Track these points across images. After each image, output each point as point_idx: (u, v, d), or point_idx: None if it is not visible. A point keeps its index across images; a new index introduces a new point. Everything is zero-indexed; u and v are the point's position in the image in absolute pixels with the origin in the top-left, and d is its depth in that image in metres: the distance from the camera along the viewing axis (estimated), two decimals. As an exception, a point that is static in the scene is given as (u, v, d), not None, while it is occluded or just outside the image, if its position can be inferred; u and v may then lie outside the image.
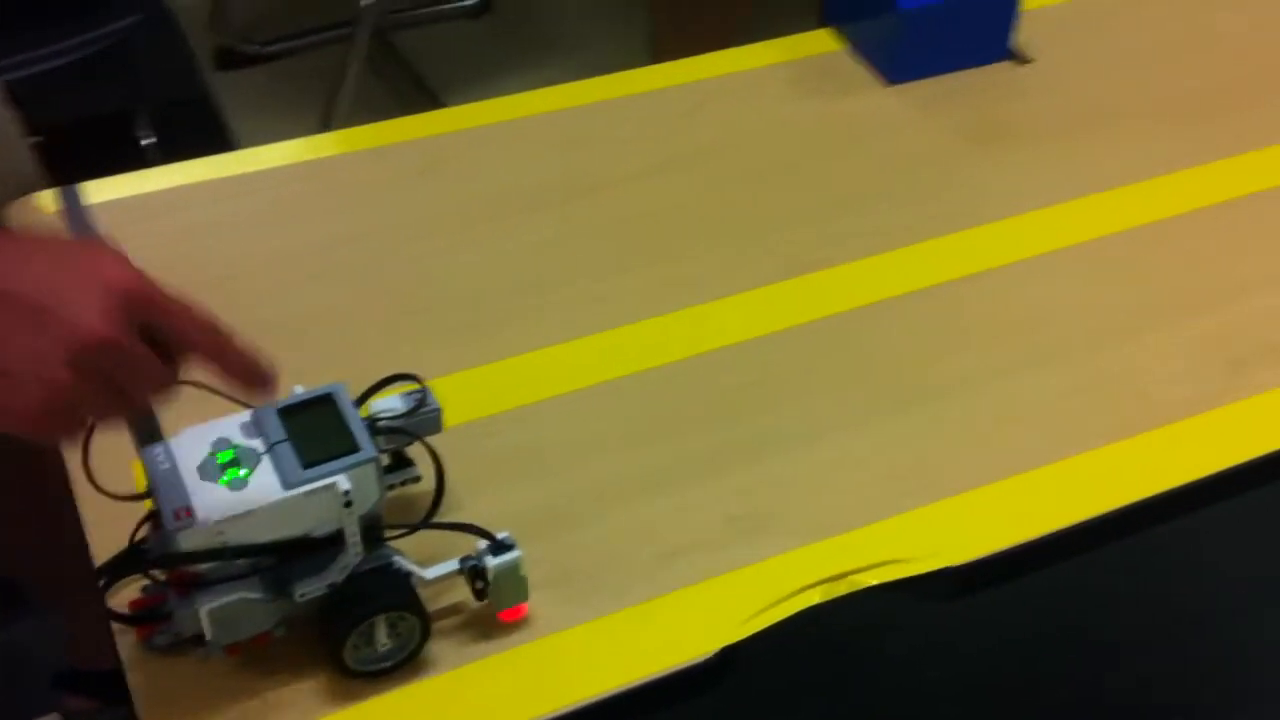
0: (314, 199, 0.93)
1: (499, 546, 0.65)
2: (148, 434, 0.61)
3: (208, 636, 0.62)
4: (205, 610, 0.61)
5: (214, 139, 1.90)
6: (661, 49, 1.71)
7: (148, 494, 0.62)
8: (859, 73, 1.06)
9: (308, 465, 0.61)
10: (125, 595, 0.66)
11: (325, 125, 1.93)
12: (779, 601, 0.68)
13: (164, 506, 0.59)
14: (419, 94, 2.06)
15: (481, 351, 0.81)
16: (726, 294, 0.86)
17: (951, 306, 0.86)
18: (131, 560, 0.64)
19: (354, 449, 0.62)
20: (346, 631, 0.63)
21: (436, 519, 0.67)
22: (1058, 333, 0.85)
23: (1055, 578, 0.76)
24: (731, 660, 0.66)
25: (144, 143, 1.76)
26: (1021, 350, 0.84)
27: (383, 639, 0.64)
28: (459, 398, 0.77)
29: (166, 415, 0.62)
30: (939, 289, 0.87)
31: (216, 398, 0.61)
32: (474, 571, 0.65)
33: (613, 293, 0.86)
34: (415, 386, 0.69)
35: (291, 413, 0.63)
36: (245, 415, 0.63)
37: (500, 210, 0.92)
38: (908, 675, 1.24)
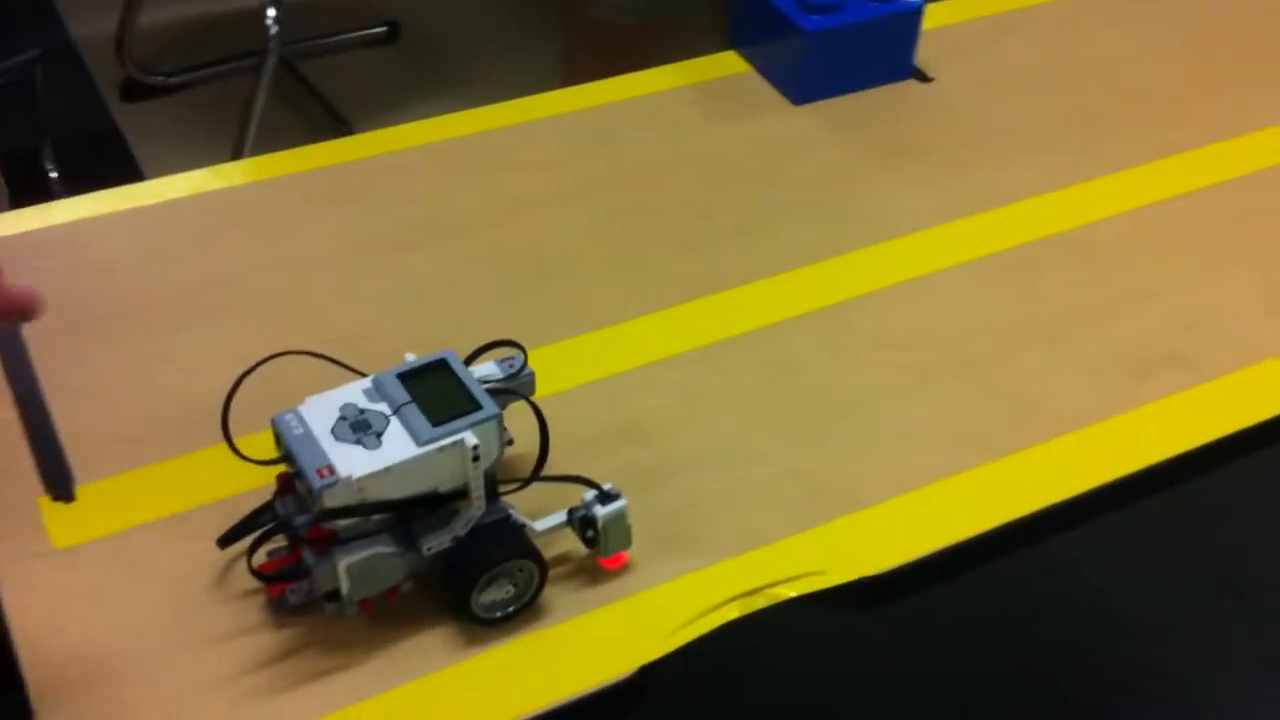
0: (223, 229, 0.93)
1: (605, 496, 0.71)
2: (57, 480, 0.63)
3: (343, 591, 0.67)
4: (344, 565, 0.66)
5: (121, 171, 1.88)
6: (572, 73, 1.72)
7: (283, 459, 0.67)
8: (766, 93, 1.08)
9: (436, 424, 0.66)
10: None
11: (235, 155, 1.92)
12: (698, 617, 0.70)
13: (306, 466, 0.64)
14: (329, 122, 2.06)
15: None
16: (636, 315, 0.88)
17: (860, 322, 0.88)
18: (279, 523, 0.68)
19: (477, 407, 0.67)
20: (474, 580, 0.67)
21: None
22: (964, 345, 0.87)
23: (972, 586, 0.78)
24: (651, 678, 0.68)
25: (50, 175, 1.73)
26: (930, 363, 0.86)
27: (506, 587, 0.69)
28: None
29: (286, 384, 0.68)
30: (847, 305, 0.90)
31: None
32: (584, 521, 0.71)
33: (525, 318, 0.86)
34: (513, 352, 0.74)
35: (411, 378, 0.68)
36: (366, 382, 0.68)
37: (411, 237, 0.94)
38: (831, 691, 1.24)
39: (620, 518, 0.70)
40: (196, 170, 0.98)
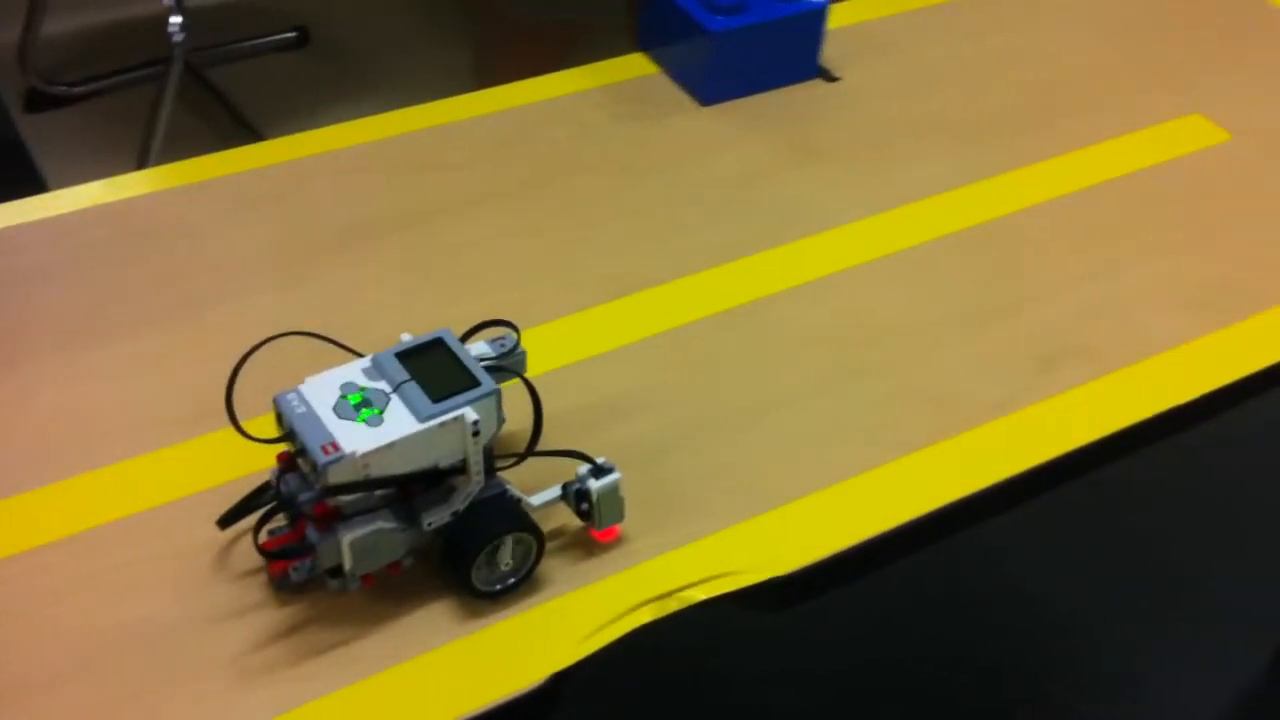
0: (129, 239, 0.92)
1: (599, 470, 0.73)
2: None
3: (346, 567, 0.68)
4: (348, 540, 0.68)
5: (25, 183, 1.85)
6: (486, 74, 1.72)
7: (285, 437, 0.68)
8: (674, 95, 1.09)
9: (436, 400, 0.68)
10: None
11: (140, 165, 1.90)
12: (610, 623, 0.71)
13: (311, 444, 0.66)
14: (239, 130, 2.03)
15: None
16: (552, 318, 0.88)
17: (774, 320, 0.89)
18: (285, 501, 0.69)
19: (476, 383, 0.69)
20: (475, 554, 0.69)
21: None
22: (876, 341, 0.88)
23: (890, 579, 0.79)
24: (563, 686, 0.69)
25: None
26: (842, 360, 0.87)
27: (505, 559, 0.71)
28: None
29: (287, 367, 0.70)
30: (760, 304, 0.90)
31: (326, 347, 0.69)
32: (578, 494, 0.73)
33: (440, 323, 0.86)
34: (505, 332, 0.76)
35: (409, 356, 0.70)
36: (365, 361, 0.70)
37: (323, 244, 0.94)
38: (750, 690, 1.26)
39: (614, 491, 0.73)
40: (101, 180, 0.97)
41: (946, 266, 0.96)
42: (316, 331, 0.74)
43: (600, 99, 1.09)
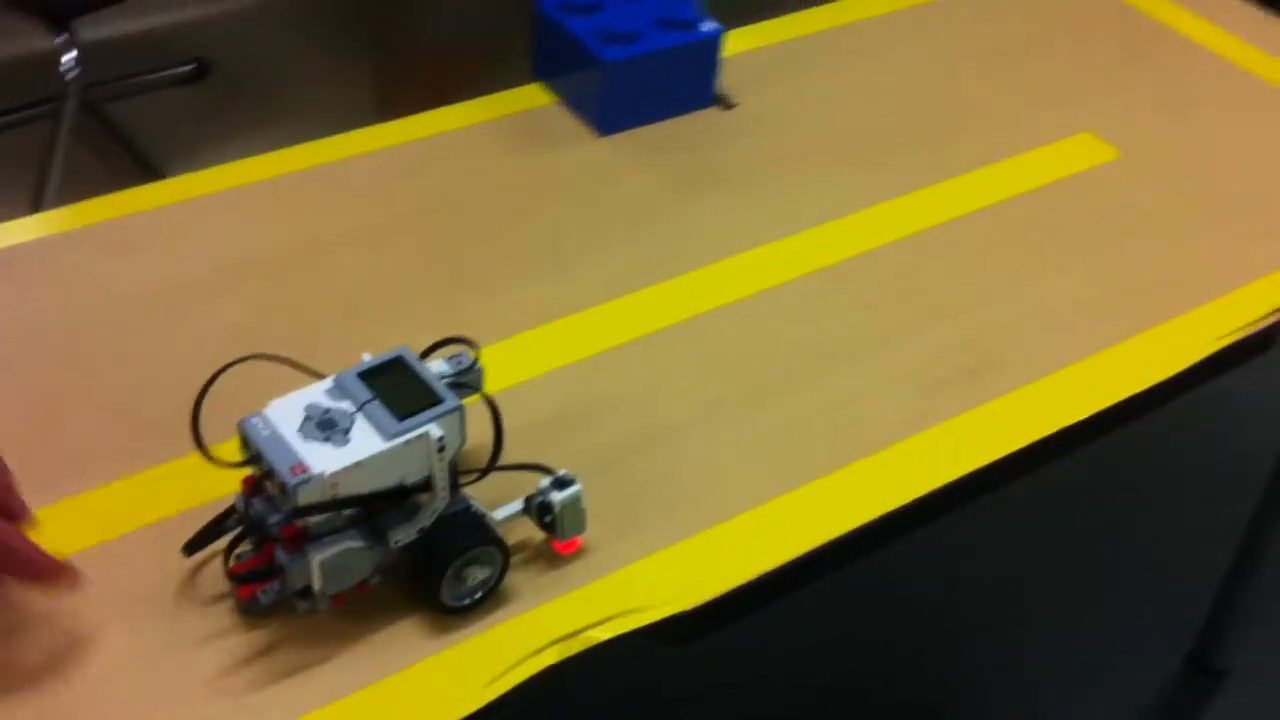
0: (22, 286, 0.89)
1: (560, 482, 0.74)
2: None
3: (316, 587, 0.69)
4: (317, 561, 0.68)
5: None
6: (387, 106, 1.71)
7: (250, 461, 0.69)
8: (572, 125, 1.09)
9: (401, 418, 0.69)
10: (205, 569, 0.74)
11: (35, 206, 1.86)
12: (516, 665, 0.71)
13: (279, 466, 0.66)
14: (139, 168, 2.00)
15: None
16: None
17: (671, 351, 0.90)
18: (252, 524, 0.70)
19: (439, 400, 0.70)
20: (444, 568, 0.71)
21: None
22: (778, 368, 0.89)
23: (801, 606, 0.79)
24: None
25: None
26: (739, 389, 0.88)
27: (473, 574, 0.72)
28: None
29: (251, 390, 0.71)
30: (658, 335, 0.92)
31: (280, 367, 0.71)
32: (541, 507, 0.74)
33: (344, 361, 0.85)
34: (460, 349, 0.77)
35: (371, 375, 0.71)
36: (328, 382, 0.71)
37: (223, 282, 0.93)
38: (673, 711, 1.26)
39: (575, 502, 0.74)
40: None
41: (846, 290, 0.96)
42: (278, 355, 0.76)
43: (497, 130, 1.09)
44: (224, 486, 0.74)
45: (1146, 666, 1.52)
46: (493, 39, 1.69)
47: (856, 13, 1.27)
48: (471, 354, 0.77)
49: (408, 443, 0.68)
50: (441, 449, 0.69)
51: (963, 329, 0.93)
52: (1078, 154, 1.11)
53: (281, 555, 0.69)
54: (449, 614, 0.72)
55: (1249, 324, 0.95)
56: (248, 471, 0.70)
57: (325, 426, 0.68)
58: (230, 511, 0.72)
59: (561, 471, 0.75)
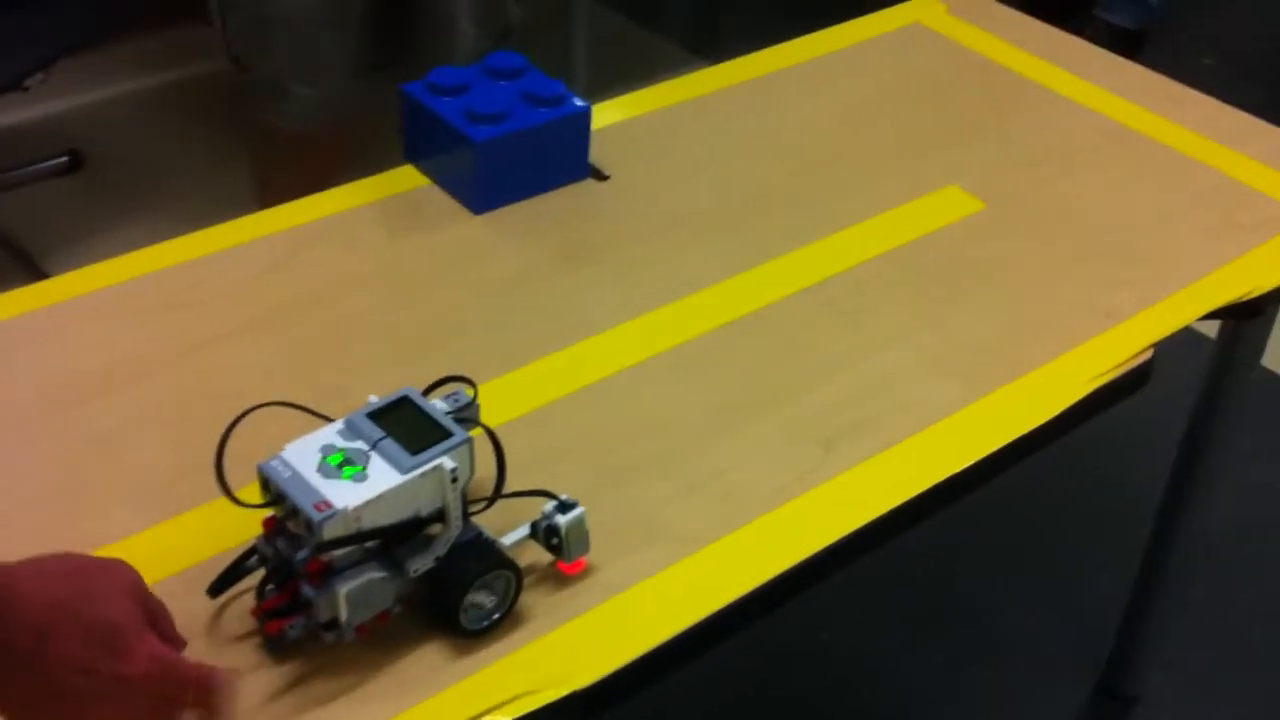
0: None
1: (564, 506, 0.79)
2: None
3: (343, 618, 0.73)
4: (343, 592, 0.72)
5: None
6: (264, 188, 1.70)
7: (273, 502, 0.73)
8: (446, 205, 1.10)
9: (414, 453, 0.73)
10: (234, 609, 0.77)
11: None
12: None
13: (303, 503, 0.70)
14: (16, 262, 1.97)
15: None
16: None
17: (557, 426, 0.91)
18: (278, 563, 0.73)
19: (448, 434, 0.75)
20: (462, 594, 0.75)
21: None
22: (656, 438, 0.89)
23: (690, 676, 0.79)
24: None
25: None
26: (625, 461, 0.87)
27: (488, 597, 0.76)
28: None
29: (268, 433, 0.75)
30: (547, 409, 0.93)
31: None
32: (548, 530, 0.79)
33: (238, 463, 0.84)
34: (455, 387, 0.82)
35: (380, 415, 0.76)
36: (339, 424, 0.76)
37: (98, 387, 0.92)
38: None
39: (580, 524, 0.79)
40: None
41: (723, 357, 0.97)
42: (292, 402, 0.80)
43: (371, 215, 1.09)
44: (224, 540, 0.78)
45: (1058, 696, 1.55)
46: (367, 118, 1.69)
47: (724, 80, 1.30)
48: (468, 391, 0.81)
49: (423, 475, 0.73)
50: (454, 479, 0.74)
51: (847, 384, 0.95)
52: (946, 207, 1.14)
53: (308, 590, 0.72)
54: (468, 636, 0.76)
55: (1119, 365, 0.98)
56: (267, 514, 0.74)
57: (342, 465, 0.73)
58: (251, 553, 0.76)
59: (564, 496, 0.79)
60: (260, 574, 0.75)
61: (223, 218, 1.08)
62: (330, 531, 0.70)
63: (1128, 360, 0.99)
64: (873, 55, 1.35)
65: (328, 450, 0.73)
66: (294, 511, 0.71)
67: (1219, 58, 2.83)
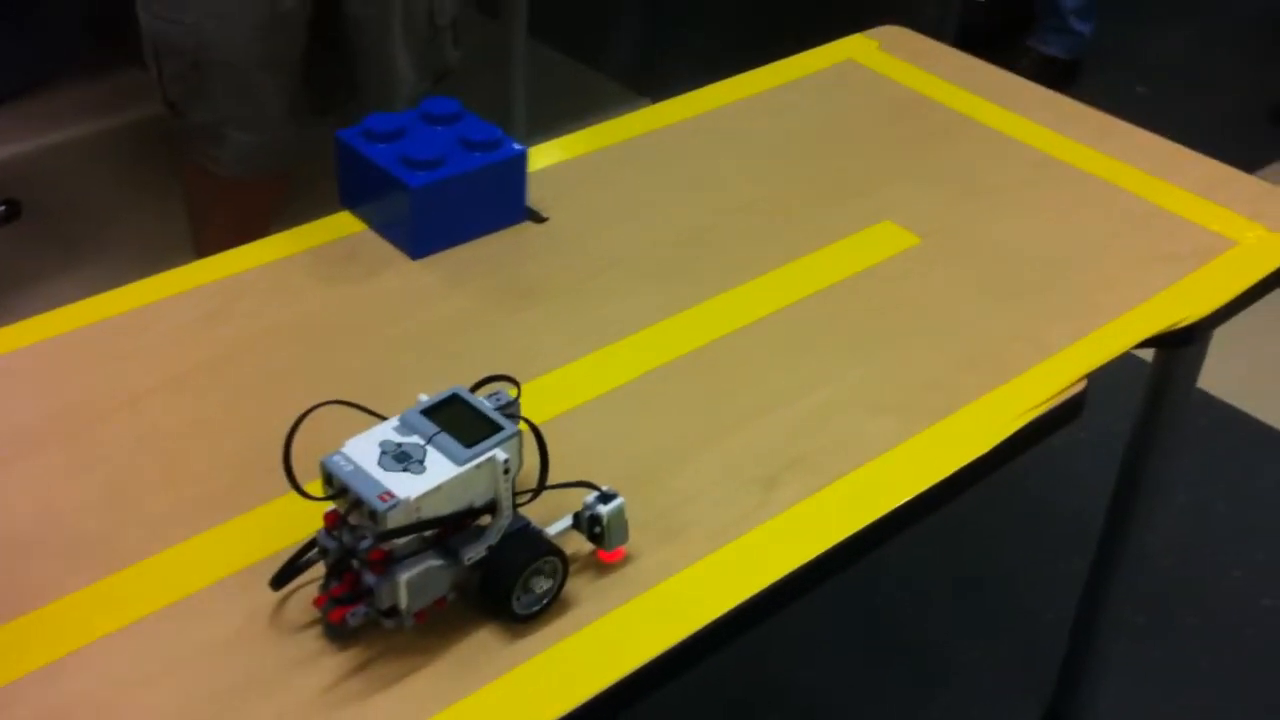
0: None
1: (605, 496, 0.84)
2: None
3: (402, 605, 0.78)
4: (404, 579, 0.77)
5: None
6: (202, 242, 1.69)
7: (335, 495, 0.78)
8: (384, 251, 1.10)
9: (468, 446, 0.78)
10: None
11: None
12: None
13: (367, 495, 0.75)
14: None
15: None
16: (255, 505, 0.88)
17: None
18: (343, 553, 0.78)
19: (500, 428, 0.80)
20: (514, 580, 0.79)
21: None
22: (604, 478, 0.89)
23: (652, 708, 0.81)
24: None
25: None
26: (570, 504, 0.87)
27: (539, 583, 0.81)
28: None
29: (327, 432, 0.80)
30: None
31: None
32: (591, 520, 0.84)
33: (138, 523, 0.83)
34: (496, 387, 0.87)
35: (433, 412, 0.80)
36: (394, 421, 0.80)
37: (31, 443, 0.92)
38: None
39: (620, 513, 0.84)
40: None
41: (663, 397, 0.98)
42: (349, 400, 0.84)
43: (307, 262, 1.09)
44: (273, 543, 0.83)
45: (1008, 722, 1.56)
46: (303, 165, 1.69)
47: (660, 119, 1.32)
48: (510, 392, 0.86)
49: (478, 466, 0.78)
50: (507, 470, 0.79)
51: (786, 422, 0.97)
52: (881, 242, 1.15)
53: (369, 577, 0.77)
54: (519, 621, 0.81)
55: (1052, 397, 0.99)
56: (327, 507, 0.78)
57: (401, 458, 0.77)
58: (310, 545, 0.80)
59: (605, 487, 0.84)
60: (319, 567, 0.80)
61: (162, 265, 1.09)
62: (393, 521, 0.75)
63: (1061, 392, 1.00)
64: (807, 92, 1.38)
65: (386, 445, 0.78)
66: (357, 503, 0.76)
67: (1152, 85, 2.88)
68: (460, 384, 0.83)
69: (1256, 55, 3.05)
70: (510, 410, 0.85)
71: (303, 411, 0.81)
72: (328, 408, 0.83)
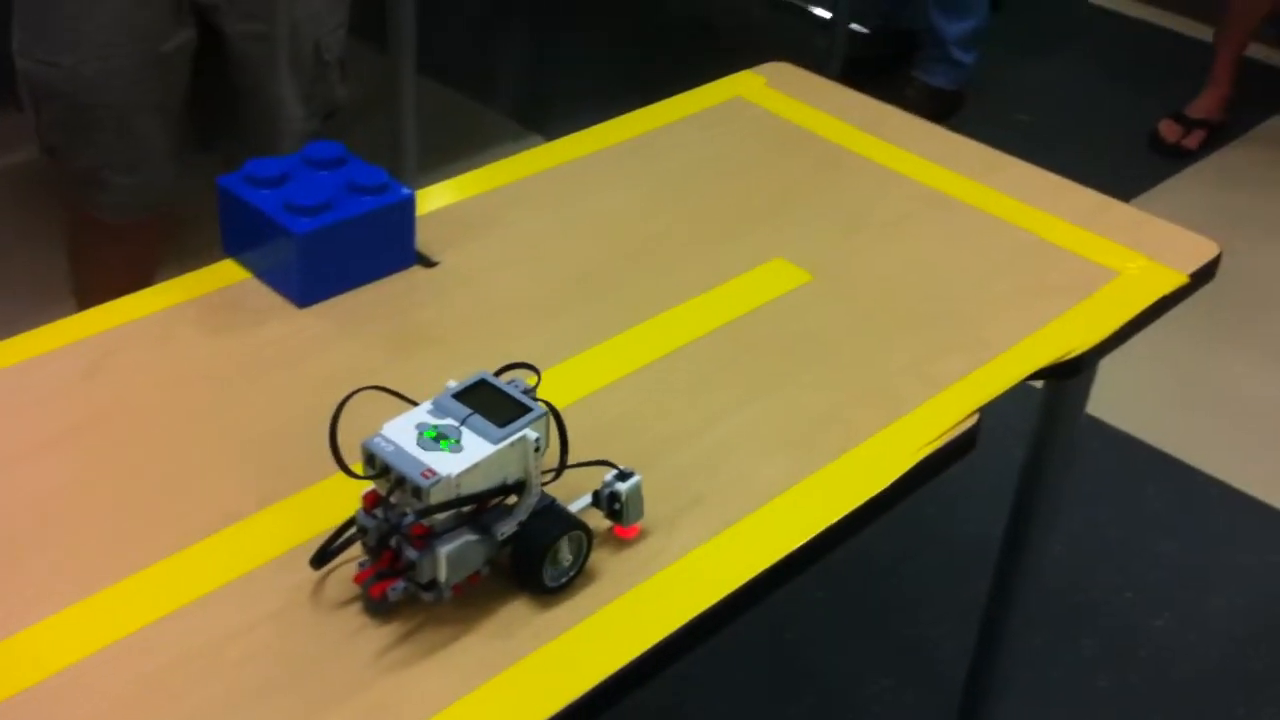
0: None
1: (623, 475, 0.89)
2: None
3: (442, 578, 0.82)
4: (444, 552, 0.82)
5: None
6: (83, 290, 1.64)
7: (376, 475, 0.82)
8: (269, 299, 1.08)
9: (501, 426, 0.83)
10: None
11: None
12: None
13: (410, 472, 0.80)
14: None
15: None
16: (137, 569, 0.86)
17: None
18: (386, 530, 0.82)
19: (529, 409, 0.85)
20: (544, 553, 0.84)
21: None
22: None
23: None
24: None
25: None
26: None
27: (565, 556, 0.86)
28: None
29: (366, 417, 0.84)
30: None
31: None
32: (610, 497, 0.89)
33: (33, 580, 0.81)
34: (514, 375, 0.90)
35: (464, 395, 0.85)
36: (428, 405, 0.85)
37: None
38: None
39: (638, 490, 0.89)
40: None
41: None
42: (386, 388, 0.89)
43: (191, 312, 1.07)
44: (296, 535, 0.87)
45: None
46: (186, 206, 1.66)
47: (550, 159, 1.32)
48: (529, 379, 0.90)
49: (511, 445, 0.83)
50: (538, 448, 0.84)
51: (684, 463, 0.97)
52: (774, 279, 1.16)
53: (410, 552, 0.82)
54: (547, 593, 0.86)
55: (945, 431, 1.00)
56: (366, 486, 0.83)
57: (438, 439, 0.82)
58: (349, 524, 0.84)
59: (623, 466, 0.89)
60: (358, 546, 0.84)
61: (42, 316, 1.06)
62: (435, 496, 0.80)
63: (954, 426, 1.01)
64: (696, 130, 1.39)
65: (422, 427, 0.83)
66: (400, 481, 0.80)
67: (1035, 114, 2.94)
68: (360, 435, 0.82)
69: (1136, 82, 3.14)
70: (530, 396, 0.89)
71: (350, 393, 0.86)
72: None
